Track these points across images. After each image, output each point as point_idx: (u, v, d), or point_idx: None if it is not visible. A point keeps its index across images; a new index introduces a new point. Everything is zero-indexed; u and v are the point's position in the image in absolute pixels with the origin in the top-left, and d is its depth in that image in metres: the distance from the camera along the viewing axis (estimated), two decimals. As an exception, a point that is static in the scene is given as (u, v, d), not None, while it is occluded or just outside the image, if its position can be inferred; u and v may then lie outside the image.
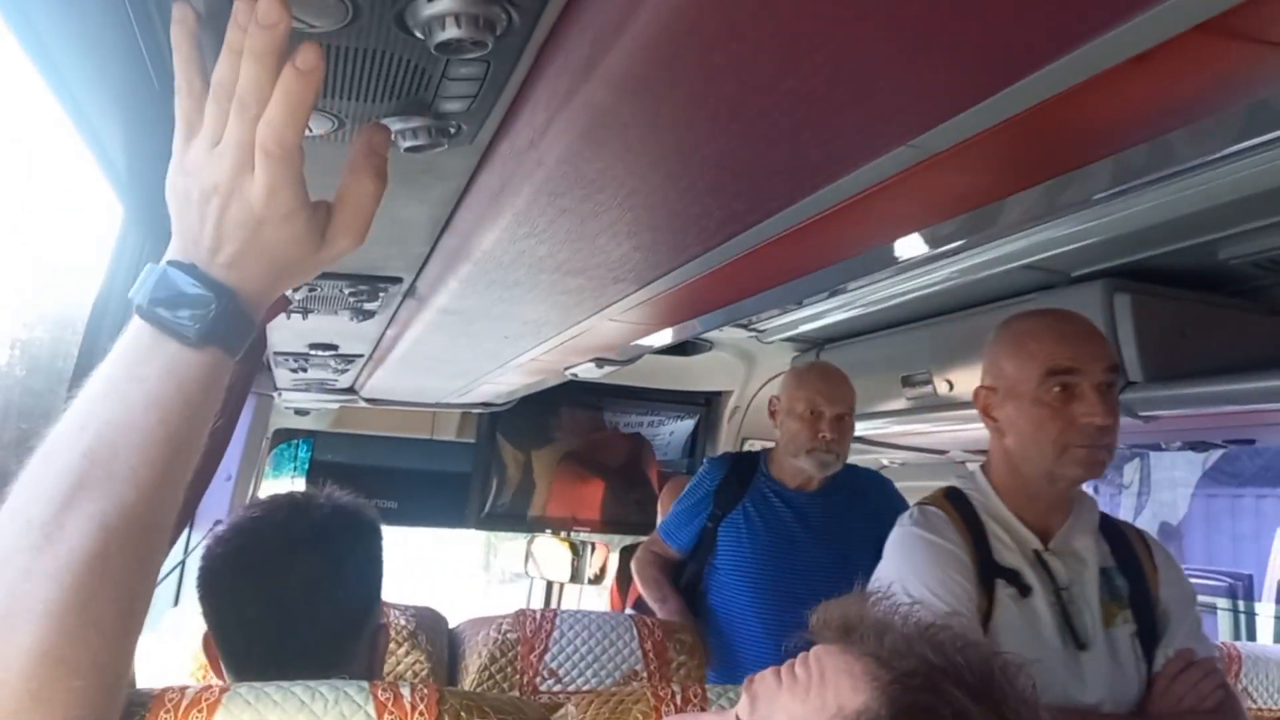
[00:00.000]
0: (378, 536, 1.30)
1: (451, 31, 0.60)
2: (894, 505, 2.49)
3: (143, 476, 0.59)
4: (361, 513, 1.29)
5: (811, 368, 2.52)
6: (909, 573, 1.51)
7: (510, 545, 4.14)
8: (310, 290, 1.38)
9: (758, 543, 2.41)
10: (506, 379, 2.30)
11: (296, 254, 0.64)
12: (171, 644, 1.82)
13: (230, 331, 0.63)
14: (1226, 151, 1.00)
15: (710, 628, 2.38)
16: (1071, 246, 1.82)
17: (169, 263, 0.62)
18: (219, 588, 1.21)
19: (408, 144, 0.79)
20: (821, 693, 0.61)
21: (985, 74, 0.61)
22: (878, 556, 2.26)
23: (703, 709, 1.21)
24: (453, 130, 0.79)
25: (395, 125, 0.78)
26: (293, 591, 1.18)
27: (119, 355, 0.61)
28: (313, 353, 1.97)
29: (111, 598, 0.57)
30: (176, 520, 0.65)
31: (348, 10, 0.59)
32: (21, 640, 0.54)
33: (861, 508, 2.46)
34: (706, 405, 3.69)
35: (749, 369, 3.41)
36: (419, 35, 0.61)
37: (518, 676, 1.84)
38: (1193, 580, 2.83)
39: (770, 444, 2.65)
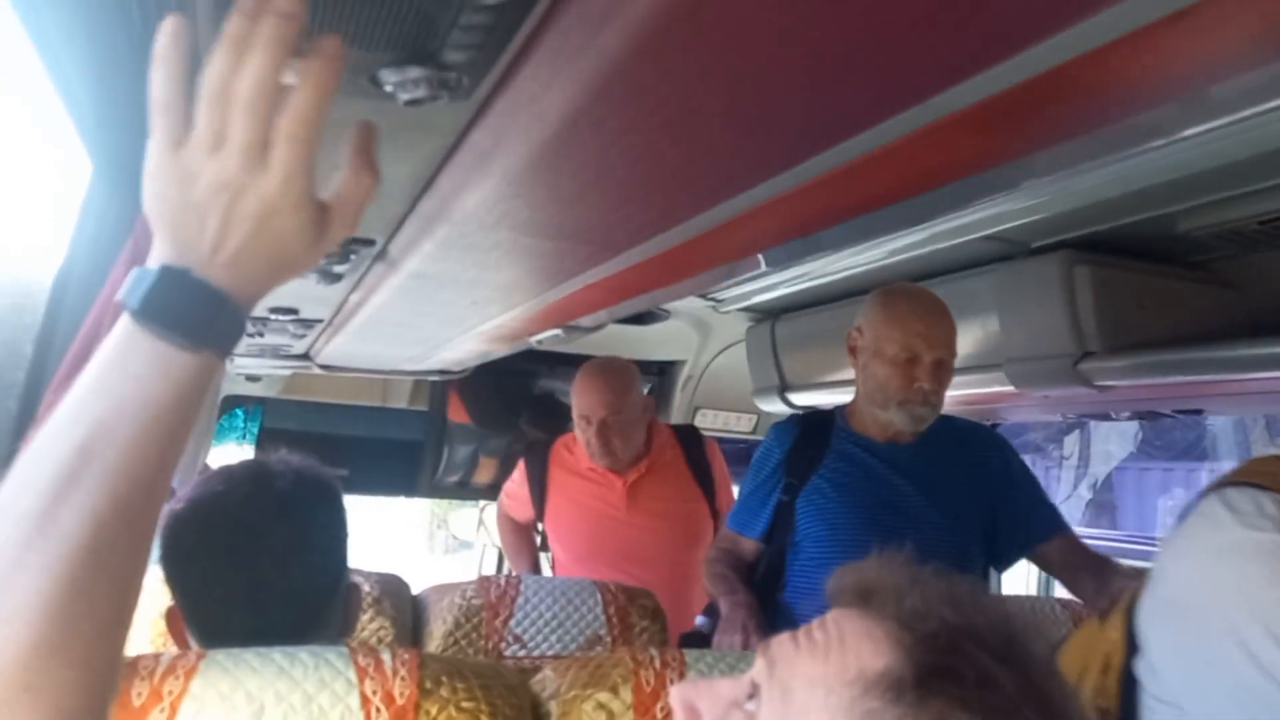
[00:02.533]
0: (340, 500, 1.30)
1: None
2: (1003, 455, 2.15)
3: (135, 470, 0.59)
4: (323, 478, 1.29)
5: (906, 297, 2.04)
6: (1250, 616, 0.92)
7: (460, 513, 4.13)
8: (279, 251, 1.34)
9: (849, 505, 2.00)
10: (468, 346, 2.27)
11: (298, 246, 0.64)
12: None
13: (224, 334, 0.63)
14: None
15: (794, 621, 1.95)
16: (1032, 218, 1.85)
17: (163, 266, 0.62)
18: (188, 564, 1.19)
19: (407, 96, 0.76)
20: (842, 656, 0.62)
21: (1008, 33, 0.61)
22: (991, 518, 2.06)
23: (680, 674, 1.22)
24: (453, 83, 0.77)
25: (395, 77, 0.76)
26: (265, 565, 1.17)
27: (112, 352, 0.61)
28: (272, 317, 1.93)
29: (105, 590, 0.57)
30: None
31: (364, -50, 0.57)
32: (14, 632, 0.54)
33: (966, 459, 2.09)
34: (660, 375, 3.69)
35: (703, 338, 3.42)
36: (436, -23, 0.59)
37: (482, 642, 1.84)
38: (1131, 546, 2.92)
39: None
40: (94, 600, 0.56)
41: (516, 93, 0.80)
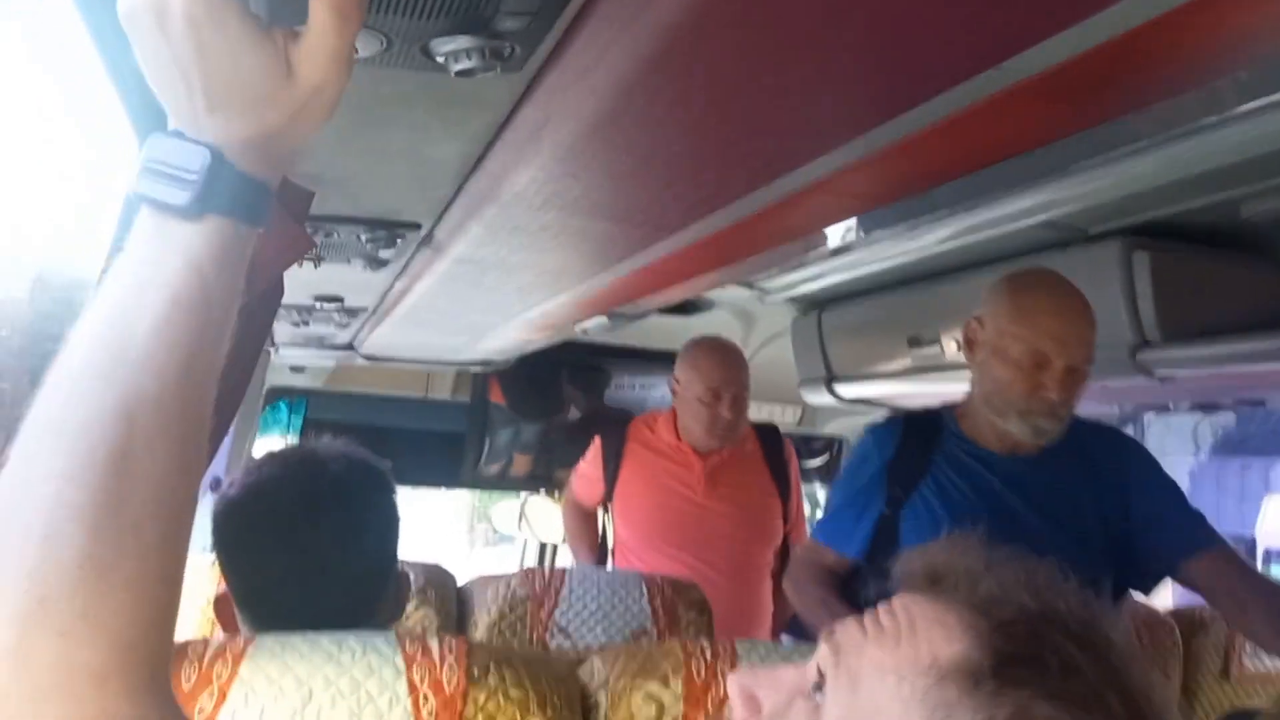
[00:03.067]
0: (392, 485, 1.28)
1: (530, -68, 0.55)
2: (1138, 462, 1.84)
3: (162, 362, 0.54)
4: (373, 463, 1.27)
5: (1039, 288, 1.72)
6: None
7: (501, 506, 4.13)
8: (326, 236, 1.34)
9: (962, 526, 1.79)
10: (512, 335, 2.26)
11: (260, 79, 0.57)
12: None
13: (228, 193, 0.57)
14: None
15: None
16: (1089, 204, 1.80)
17: (154, 134, 0.57)
18: (244, 548, 1.18)
19: (459, 66, 0.75)
20: (913, 642, 0.58)
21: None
22: (1126, 538, 1.74)
23: (731, 665, 1.19)
24: (506, 53, 0.75)
25: (447, 46, 0.74)
26: (321, 550, 1.15)
27: (129, 243, 0.57)
28: (317, 305, 1.93)
29: (146, 500, 0.53)
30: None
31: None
32: (57, 551, 0.50)
33: (1095, 471, 1.78)
34: (702, 365, 3.66)
35: (747, 329, 3.38)
36: (492, -62, 0.57)
37: (527, 633, 1.82)
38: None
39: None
40: (136, 513, 0.52)
41: (569, 64, 0.78)
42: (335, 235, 1.34)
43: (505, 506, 3.93)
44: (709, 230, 1.18)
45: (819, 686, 0.63)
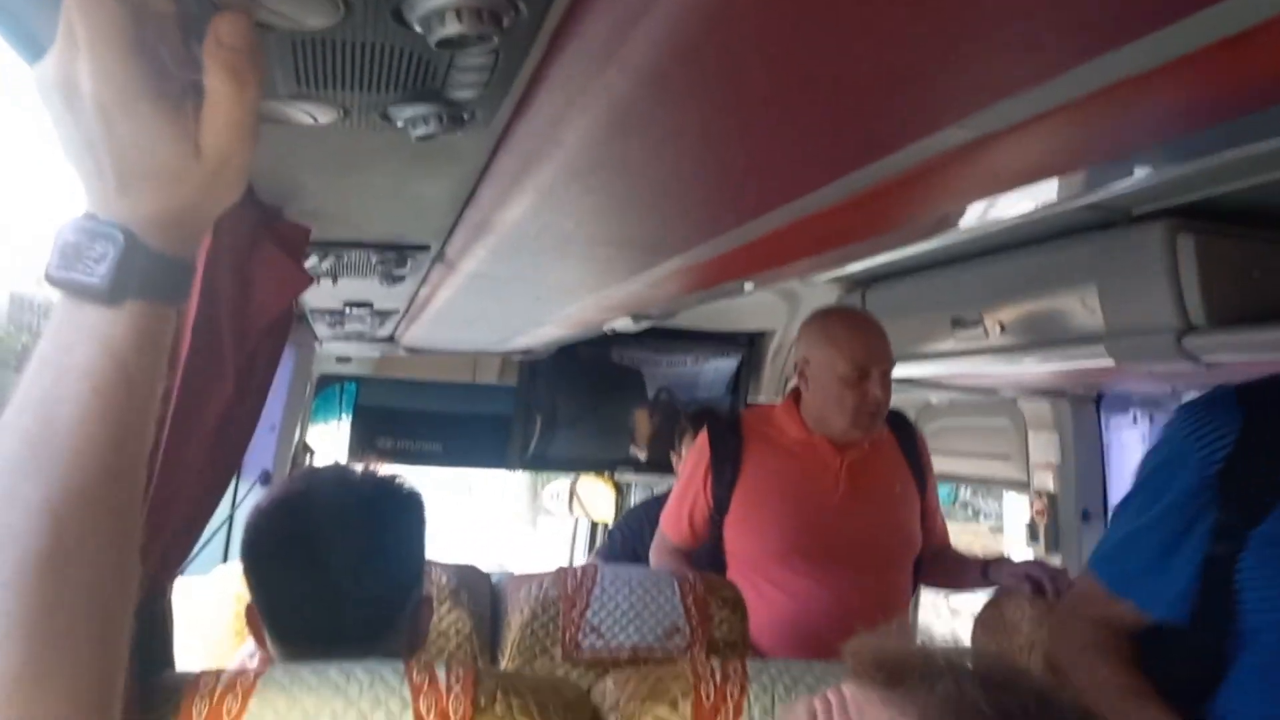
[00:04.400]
0: (422, 512, 1.28)
1: (453, 27, 0.54)
2: None
3: (87, 455, 0.53)
4: (405, 488, 1.27)
5: None
6: None
7: (552, 487, 4.16)
8: (338, 258, 1.35)
9: None
10: (544, 332, 2.26)
11: (168, 158, 0.54)
12: (217, 602, 1.84)
13: (145, 278, 0.55)
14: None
15: None
16: (1134, 187, 1.73)
17: (72, 219, 0.55)
18: (267, 563, 1.19)
19: (418, 132, 0.74)
20: None
21: (1046, 59, 0.55)
22: None
23: (741, 688, 1.19)
24: (465, 117, 0.74)
25: (405, 113, 0.73)
26: (342, 567, 1.16)
27: (47, 329, 0.56)
28: (348, 309, 1.95)
29: (80, 601, 0.52)
30: (218, 478, 0.60)
31: (338, 7, 0.54)
32: None
33: None
34: (750, 345, 3.63)
35: (792, 309, 3.34)
36: (418, 30, 0.56)
37: (559, 633, 1.83)
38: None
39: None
40: (71, 616, 0.51)
41: (532, 122, 0.77)
42: (346, 257, 1.35)
43: (555, 487, 3.96)
44: (714, 252, 1.17)
45: None
